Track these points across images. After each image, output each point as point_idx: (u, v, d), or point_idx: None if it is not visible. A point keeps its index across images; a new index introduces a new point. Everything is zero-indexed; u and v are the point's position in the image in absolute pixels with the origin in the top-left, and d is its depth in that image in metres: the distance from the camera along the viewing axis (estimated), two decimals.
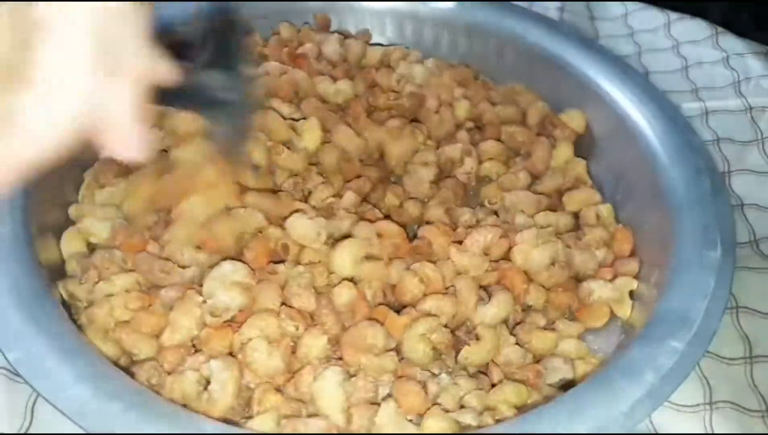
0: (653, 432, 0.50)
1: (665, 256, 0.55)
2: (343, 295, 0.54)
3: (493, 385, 0.51)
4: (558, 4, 0.88)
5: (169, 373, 0.49)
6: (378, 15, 0.80)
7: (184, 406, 0.47)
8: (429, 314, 0.53)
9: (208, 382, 0.48)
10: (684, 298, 0.51)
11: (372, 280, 0.55)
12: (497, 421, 0.48)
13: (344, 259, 0.55)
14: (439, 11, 0.78)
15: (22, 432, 0.48)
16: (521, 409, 0.50)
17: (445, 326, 0.53)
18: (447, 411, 0.48)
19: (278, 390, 0.49)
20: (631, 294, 0.58)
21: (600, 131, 0.70)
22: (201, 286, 0.53)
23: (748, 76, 0.77)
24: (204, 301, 0.52)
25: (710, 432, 0.50)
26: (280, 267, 0.55)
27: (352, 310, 0.54)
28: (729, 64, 0.80)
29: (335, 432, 0.47)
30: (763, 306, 0.57)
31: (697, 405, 0.51)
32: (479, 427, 0.47)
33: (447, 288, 0.56)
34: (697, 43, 0.83)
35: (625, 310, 0.58)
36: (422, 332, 0.52)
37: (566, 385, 0.52)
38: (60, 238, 0.58)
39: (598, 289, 0.57)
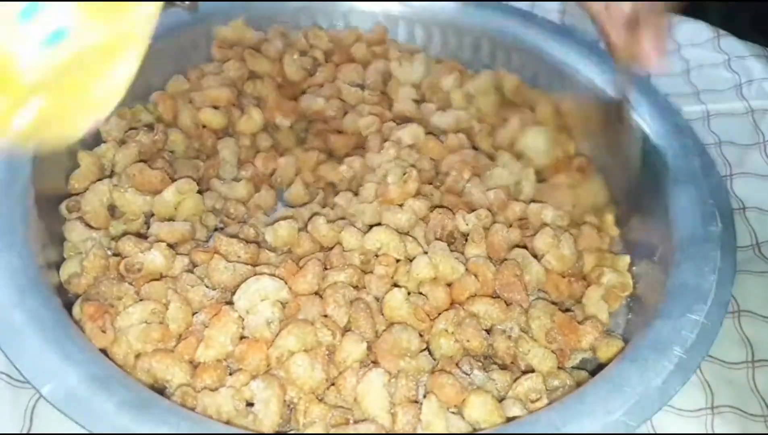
0: None
1: (666, 233, 0.57)
2: (403, 310, 0.54)
3: (523, 372, 0.52)
4: (559, 6, 0.88)
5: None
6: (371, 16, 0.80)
7: (227, 423, 0.46)
8: (474, 316, 0.54)
9: (249, 402, 0.48)
10: (694, 272, 0.53)
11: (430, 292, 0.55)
12: (533, 403, 0.50)
13: (423, 268, 0.56)
14: (436, 12, 0.78)
15: (23, 433, 0.48)
16: (553, 392, 0.51)
17: (487, 330, 0.54)
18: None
19: (319, 398, 0.49)
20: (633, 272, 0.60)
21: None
22: (227, 303, 0.53)
23: (749, 79, 0.77)
24: (240, 317, 0.51)
25: None
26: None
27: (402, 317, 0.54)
28: (731, 67, 0.79)
29: (384, 434, 0.47)
30: (765, 310, 0.57)
31: (699, 409, 0.51)
32: (529, 413, 0.48)
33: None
34: (698, 46, 0.83)
35: (629, 287, 0.59)
36: (443, 328, 0.52)
37: (594, 370, 0.54)
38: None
39: (604, 276, 0.58)
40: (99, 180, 0.60)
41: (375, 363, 0.51)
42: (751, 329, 0.56)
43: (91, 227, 0.57)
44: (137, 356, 0.50)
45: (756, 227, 0.64)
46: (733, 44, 0.82)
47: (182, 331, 0.52)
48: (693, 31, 0.85)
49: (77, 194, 0.59)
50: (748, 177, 0.69)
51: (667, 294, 0.52)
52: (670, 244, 0.56)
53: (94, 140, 0.63)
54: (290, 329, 0.50)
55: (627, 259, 0.60)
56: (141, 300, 0.53)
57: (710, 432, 0.50)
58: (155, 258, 0.54)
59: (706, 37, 0.84)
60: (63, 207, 0.58)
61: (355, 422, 0.48)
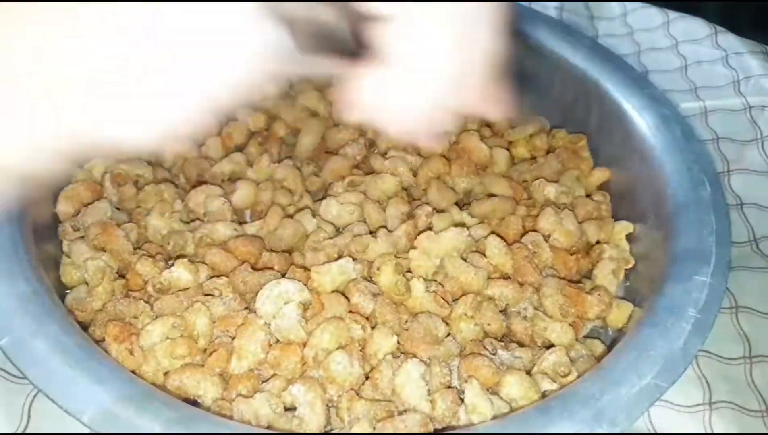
0: (652, 432, 0.50)
1: (657, 199, 0.59)
2: (424, 300, 0.54)
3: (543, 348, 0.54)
4: (557, 3, 0.88)
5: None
6: None
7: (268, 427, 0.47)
8: (490, 299, 0.55)
9: (287, 407, 0.48)
10: (692, 236, 0.54)
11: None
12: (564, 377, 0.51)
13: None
14: None
15: (19, 432, 0.47)
16: (574, 364, 0.52)
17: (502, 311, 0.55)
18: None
19: (358, 394, 0.49)
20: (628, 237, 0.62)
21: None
22: (245, 309, 0.53)
23: (747, 75, 0.77)
24: (266, 323, 0.51)
25: (710, 432, 0.50)
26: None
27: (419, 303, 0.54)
28: (728, 63, 0.80)
29: (429, 423, 0.47)
30: (762, 306, 0.57)
31: (697, 405, 0.51)
32: (561, 388, 0.49)
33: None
34: (696, 42, 0.83)
35: (630, 260, 0.60)
36: (462, 312, 0.53)
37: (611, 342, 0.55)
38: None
39: (605, 252, 0.60)
40: (97, 200, 0.59)
41: (404, 353, 0.51)
42: (749, 325, 0.56)
43: (94, 247, 0.56)
44: (166, 374, 0.50)
45: (754, 223, 0.64)
46: (730, 41, 0.82)
47: (207, 344, 0.52)
48: (691, 28, 0.85)
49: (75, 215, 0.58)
50: (745, 173, 0.69)
51: (671, 258, 0.53)
52: (664, 210, 0.57)
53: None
54: (324, 327, 0.50)
55: (630, 226, 0.61)
56: (156, 317, 0.52)
57: (708, 428, 0.50)
58: (181, 274, 0.54)
59: (703, 33, 0.84)
60: (68, 226, 0.57)
61: (399, 413, 0.48)
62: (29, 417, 0.48)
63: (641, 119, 0.63)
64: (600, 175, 0.67)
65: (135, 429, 0.42)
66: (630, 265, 0.60)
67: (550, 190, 0.63)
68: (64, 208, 0.59)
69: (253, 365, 0.50)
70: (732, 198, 0.66)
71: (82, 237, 0.57)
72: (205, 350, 0.51)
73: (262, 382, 0.50)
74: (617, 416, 0.43)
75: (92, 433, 0.42)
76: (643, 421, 0.50)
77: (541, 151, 0.69)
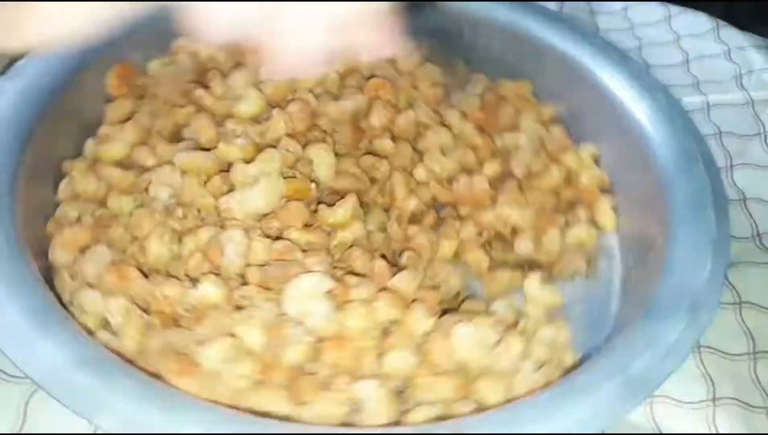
0: (656, 430, 0.49)
1: (651, 179, 0.59)
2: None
3: None
4: (557, 2, 0.87)
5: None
6: None
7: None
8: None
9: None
10: (690, 192, 0.56)
11: None
12: None
13: None
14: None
15: (16, 432, 0.47)
16: None
17: None
18: None
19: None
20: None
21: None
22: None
23: (749, 70, 0.77)
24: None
25: (714, 430, 0.50)
26: None
27: None
28: (731, 58, 0.79)
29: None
30: (766, 301, 0.57)
31: (701, 401, 0.51)
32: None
33: None
34: (698, 37, 0.83)
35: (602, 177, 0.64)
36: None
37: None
38: None
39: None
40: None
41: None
42: (753, 320, 0.56)
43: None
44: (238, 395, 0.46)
45: (757, 218, 0.64)
46: (732, 35, 0.82)
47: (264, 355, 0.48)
48: (692, 22, 0.84)
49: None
50: (748, 168, 0.68)
51: (668, 246, 0.53)
52: (659, 192, 0.57)
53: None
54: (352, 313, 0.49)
55: (592, 147, 0.65)
56: (204, 341, 0.47)
57: (712, 425, 0.50)
58: (208, 290, 0.49)
59: (705, 27, 0.83)
60: (65, 276, 0.52)
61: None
62: (25, 416, 0.47)
63: (626, 94, 0.64)
64: (548, 110, 0.69)
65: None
66: (606, 185, 0.63)
67: (520, 139, 0.65)
68: (60, 256, 0.52)
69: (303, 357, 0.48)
70: (735, 193, 0.66)
71: (86, 283, 0.51)
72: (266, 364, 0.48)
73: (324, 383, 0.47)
74: (644, 386, 0.44)
75: (92, 432, 0.42)
76: (646, 417, 0.49)
77: (492, 105, 0.69)
